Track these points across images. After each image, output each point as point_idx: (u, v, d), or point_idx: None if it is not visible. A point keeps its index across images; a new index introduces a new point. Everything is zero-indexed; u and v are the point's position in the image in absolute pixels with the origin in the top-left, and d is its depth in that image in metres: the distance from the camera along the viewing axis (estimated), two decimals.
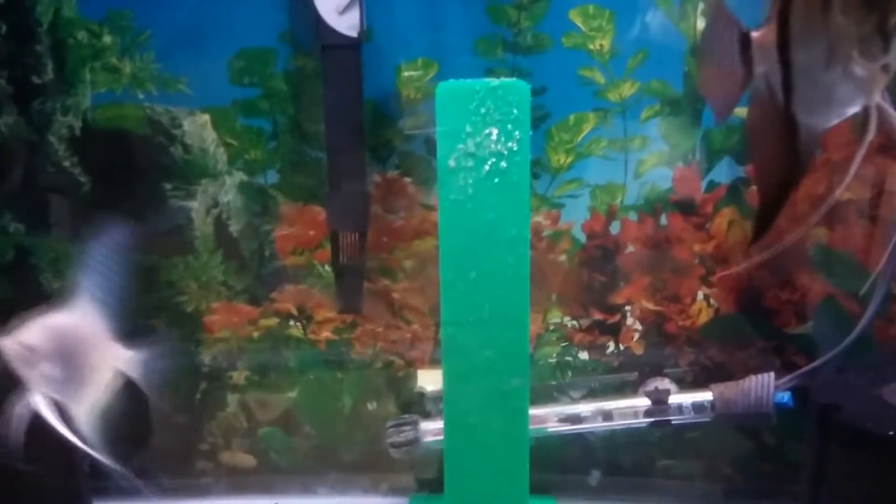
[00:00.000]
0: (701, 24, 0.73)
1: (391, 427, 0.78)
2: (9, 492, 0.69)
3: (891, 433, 0.60)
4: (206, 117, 0.76)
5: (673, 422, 0.75)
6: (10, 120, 0.76)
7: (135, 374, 0.63)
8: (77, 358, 0.58)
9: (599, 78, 0.74)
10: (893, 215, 0.76)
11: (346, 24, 0.66)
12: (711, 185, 0.78)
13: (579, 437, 0.79)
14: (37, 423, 0.57)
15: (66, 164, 0.76)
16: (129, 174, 0.78)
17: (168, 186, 0.78)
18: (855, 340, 0.71)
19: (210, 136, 0.77)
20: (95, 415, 0.59)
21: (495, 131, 0.64)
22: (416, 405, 0.83)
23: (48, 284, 0.80)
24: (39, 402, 0.57)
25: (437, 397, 0.74)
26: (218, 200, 0.79)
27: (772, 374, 0.74)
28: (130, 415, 0.62)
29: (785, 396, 0.73)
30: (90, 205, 0.78)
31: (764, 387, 0.73)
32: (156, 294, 0.82)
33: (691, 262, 0.80)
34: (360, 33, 0.67)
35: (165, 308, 0.82)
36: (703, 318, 0.81)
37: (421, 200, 0.79)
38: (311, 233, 0.80)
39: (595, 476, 0.84)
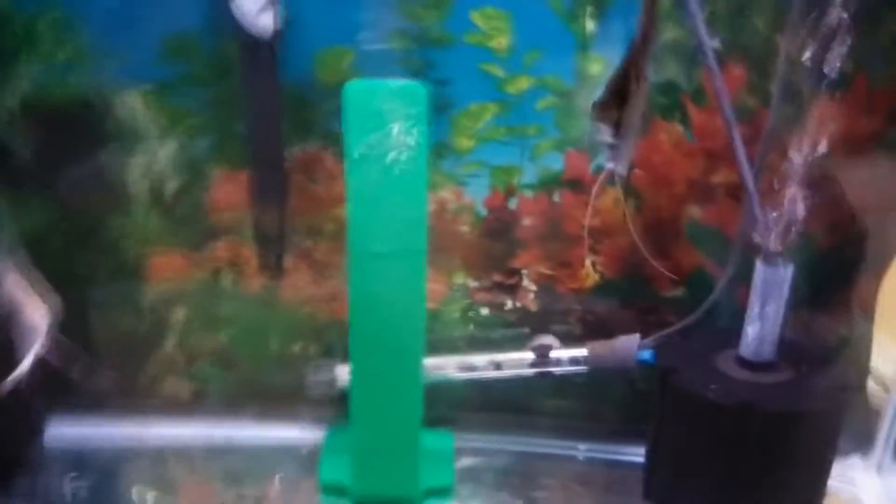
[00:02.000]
0: (590, 25, 0.80)
1: (311, 369, 0.90)
2: None
3: (710, 396, 0.72)
4: (139, 95, 0.83)
5: (553, 373, 0.88)
6: None
7: None
8: None
9: (499, 72, 0.82)
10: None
11: (262, 24, 0.72)
12: (598, 168, 0.87)
13: (478, 380, 0.90)
14: None
15: (5, 138, 0.82)
16: (68, 146, 0.84)
17: (104, 156, 0.85)
18: (713, 307, 0.82)
19: (142, 112, 0.83)
20: None
21: (397, 127, 0.72)
22: (337, 350, 0.94)
23: None
24: None
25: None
26: (151, 167, 0.86)
27: (637, 334, 0.85)
28: None
29: (647, 354, 0.85)
30: (31, 172, 0.85)
31: (629, 346, 0.85)
32: (96, 248, 0.90)
33: (580, 233, 0.90)
34: (274, 32, 0.73)
35: (106, 256, 0.91)
36: (591, 281, 0.92)
37: (340, 172, 0.87)
38: (241, 195, 0.88)
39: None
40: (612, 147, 0.69)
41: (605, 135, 0.70)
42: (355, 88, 0.71)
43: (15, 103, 0.81)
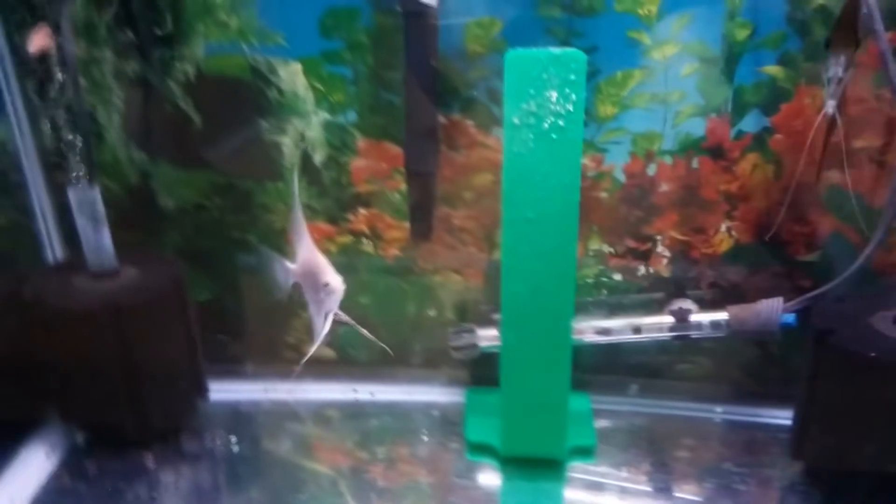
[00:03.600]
0: None
1: (453, 333, 0.93)
2: (138, 369, 0.84)
3: (872, 355, 0.72)
4: (299, 66, 0.87)
5: (693, 336, 0.89)
6: (136, 65, 0.87)
7: None
8: None
9: (646, 39, 0.83)
10: None
11: None
12: (740, 134, 0.87)
13: (611, 345, 0.92)
14: None
15: (182, 103, 0.88)
16: (233, 113, 0.89)
17: (264, 124, 0.90)
18: (857, 271, 0.82)
19: (301, 81, 0.88)
20: None
21: (555, 94, 0.74)
22: (471, 313, 0.97)
23: (164, 203, 0.94)
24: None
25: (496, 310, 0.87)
26: (304, 136, 0.91)
27: (780, 298, 0.86)
28: None
29: (790, 318, 0.85)
30: (201, 138, 0.90)
31: (772, 309, 0.86)
32: (250, 213, 0.95)
33: (717, 199, 0.90)
34: (438, 2, 0.76)
35: (258, 225, 0.96)
36: (725, 247, 0.92)
37: (480, 140, 0.90)
38: (383, 165, 0.92)
39: (633, 389, 0.99)
40: (838, 82, 0.70)
41: (838, 67, 0.71)
42: (515, 56, 0.74)
43: (191, 71, 0.87)
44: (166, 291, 0.85)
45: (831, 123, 0.79)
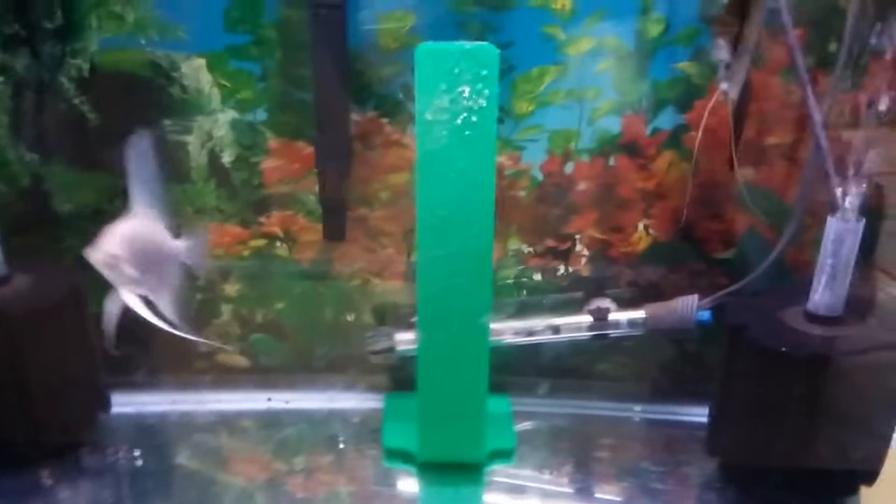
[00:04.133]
0: None
1: (370, 336, 0.90)
2: (30, 386, 0.79)
3: (783, 349, 0.73)
4: (202, 61, 0.83)
5: (611, 335, 0.88)
6: (24, 61, 0.81)
7: (188, 260, 0.75)
8: (151, 255, 0.68)
9: (560, 35, 0.82)
10: (809, 157, 0.87)
11: None
12: (655, 131, 0.87)
13: (531, 345, 0.91)
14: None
15: (76, 101, 0.82)
16: (132, 111, 0.84)
17: (167, 122, 0.85)
18: (770, 267, 0.83)
19: (205, 77, 0.83)
20: (176, 301, 0.69)
21: (467, 89, 0.72)
22: (390, 317, 0.95)
23: (59, 207, 0.88)
24: (128, 298, 0.67)
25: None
26: (212, 135, 0.87)
27: (695, 296, 0.86)
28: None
29: (706, 315, 0.85)
30: (97, 138, 0.85)
31: (688, 307, 0.86)
32: None
33: (634, 197, 0.90)
34: None
35: None
36: (643, 245, 0.93)
37: (397, 139, 0.87)
38: (296, 165, 0.89)
39: (543, 388, 0.98)
40: (727, 65, 0.70)
41: (723, 51, 0.70)
42: (426, 50, 0.71)
43: (85, 67, 0.82)
44: (60, 300, 0.80)
45: (734, 113, 0.79)
